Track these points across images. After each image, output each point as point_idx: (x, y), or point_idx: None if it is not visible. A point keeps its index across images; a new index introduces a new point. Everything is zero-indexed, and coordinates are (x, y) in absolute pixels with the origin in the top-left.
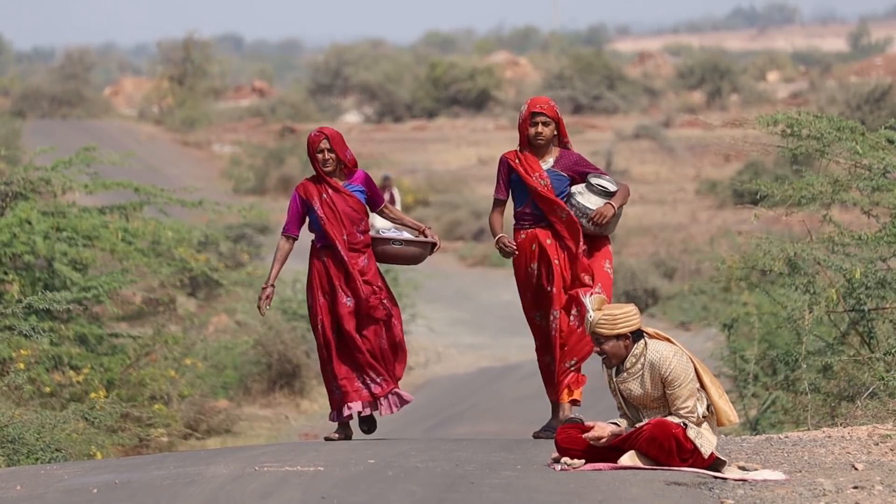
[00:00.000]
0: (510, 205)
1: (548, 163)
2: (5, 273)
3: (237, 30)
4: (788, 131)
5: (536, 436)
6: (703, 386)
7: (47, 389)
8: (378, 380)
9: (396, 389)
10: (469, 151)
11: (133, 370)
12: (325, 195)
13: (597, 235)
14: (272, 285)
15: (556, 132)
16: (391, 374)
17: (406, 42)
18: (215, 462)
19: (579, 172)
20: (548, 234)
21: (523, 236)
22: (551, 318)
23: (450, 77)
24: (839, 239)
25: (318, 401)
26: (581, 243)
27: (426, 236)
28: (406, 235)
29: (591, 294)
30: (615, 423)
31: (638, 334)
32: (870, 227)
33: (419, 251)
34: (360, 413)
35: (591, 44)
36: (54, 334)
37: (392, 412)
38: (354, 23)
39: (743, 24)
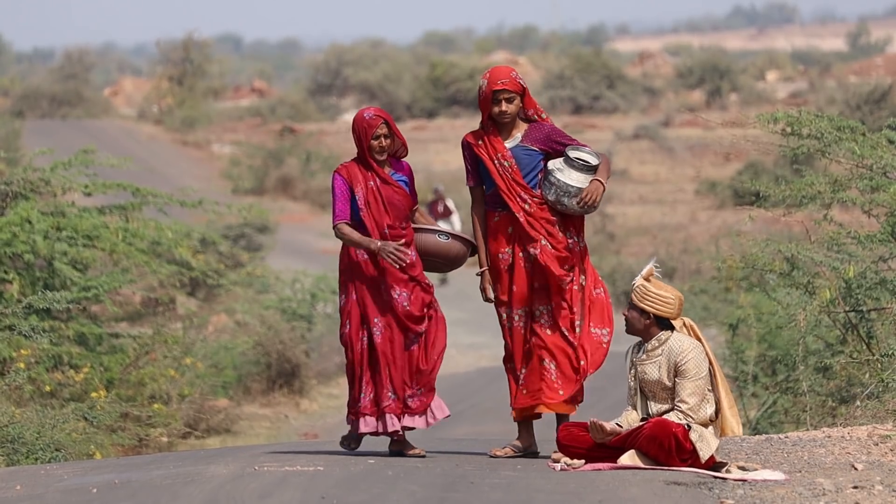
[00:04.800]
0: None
1: (515, 139)
2: (5, 273)
3: (236, 30)
4: (789, 130)
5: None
6: (717, 393)
7: (47, 389)
8: (416, 393)
9: (430, 408)
10: None
11: (133, 370)
12: (371, 183)
13: (577, 215)
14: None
15: (521, 105)
16: (426, 390)
17: (406, 42)
18: (215, 461)
19: (553, 146)
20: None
21: (497, 218)
22: (515, 317)
23: (449, 77)
24: (836, 237)
25: (317, 400)
26: (556, 231)
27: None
28: (450, 230)
29: (654, 261)
30: (617, 424)
31: (666, 324)
32: (869, 227)
33: (462, 250)
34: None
35: (591, 43)
36: (54, 334)
37: (427, 426)
38: (354, 23)
39: (742, 23)
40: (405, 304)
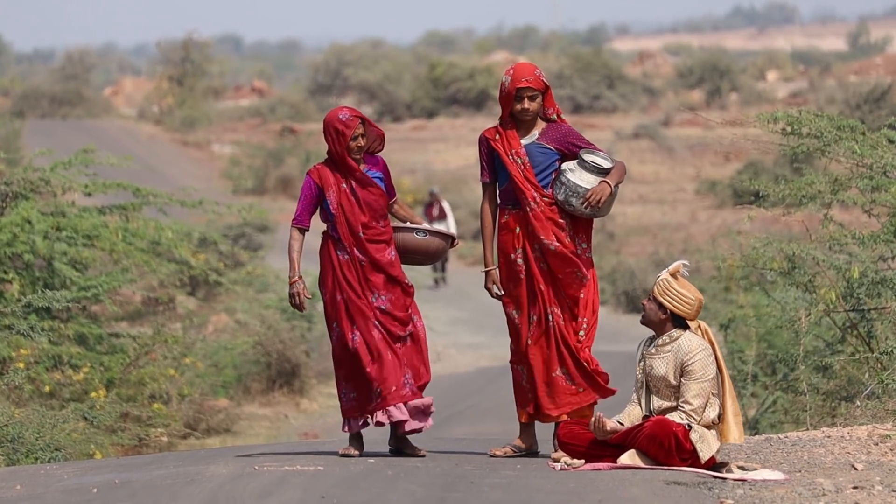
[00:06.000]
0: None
1: (532, 136)
2: (5, 272)
3: (237, 30)
4: (789, 129)
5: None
6: (723, 399)
7: (47, 389)
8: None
9: (399, 405)
10: (469, 151)
11: (133, 369)
12: (344, 185)
13: (588, 218)
14: (300, 276)
15: (542, 103)
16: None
17: (406, 42)
18: (215, 461)
19: (569, 147)
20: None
21: (507, 217)
22: (524, 318)
23: (449, 77)
24: (837, 237)
25: (317, 400)
26: (563, 235)
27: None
28: (426, 227)
29: (684, 259)
30: (619, 423)
31: (682, 322)
32: (870, 227)
33: (442, 244)
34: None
35: (591, 43)
36: (54, 333)
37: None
38: (354, 23)
39: (742, 23)
40: (384, 306)
